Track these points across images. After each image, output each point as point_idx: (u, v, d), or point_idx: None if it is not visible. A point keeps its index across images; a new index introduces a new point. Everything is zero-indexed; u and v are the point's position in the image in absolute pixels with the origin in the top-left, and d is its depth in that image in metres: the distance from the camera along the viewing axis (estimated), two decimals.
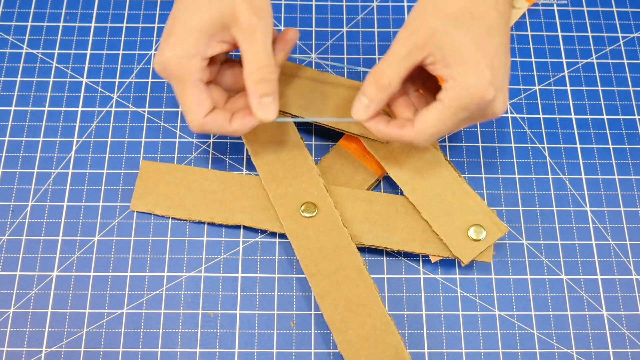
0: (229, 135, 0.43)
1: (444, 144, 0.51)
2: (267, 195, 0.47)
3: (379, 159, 0.47)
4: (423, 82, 0.44)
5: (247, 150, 0.49)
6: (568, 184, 0.50)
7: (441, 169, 0.46)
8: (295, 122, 0.50)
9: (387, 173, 0.49)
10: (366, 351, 0.42)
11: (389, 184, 0.49)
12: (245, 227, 0.48)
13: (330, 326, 0.42)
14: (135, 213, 0.48)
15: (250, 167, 0.50)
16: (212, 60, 0.42)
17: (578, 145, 0.51)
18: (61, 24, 0.55)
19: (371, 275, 0.46)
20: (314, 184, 0.46)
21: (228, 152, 0.50)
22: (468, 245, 0.44)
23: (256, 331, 0.45)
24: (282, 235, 0.48)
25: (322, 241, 0.45)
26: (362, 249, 0.47)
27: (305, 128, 0.51)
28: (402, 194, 0.48)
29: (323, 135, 0.51)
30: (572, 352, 0.45)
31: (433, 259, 0.46)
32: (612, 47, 0.56)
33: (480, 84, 0.37)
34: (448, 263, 0.47)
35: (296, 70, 0.49)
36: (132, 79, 0.53)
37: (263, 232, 0.48)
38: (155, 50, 0.54)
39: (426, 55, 0.38)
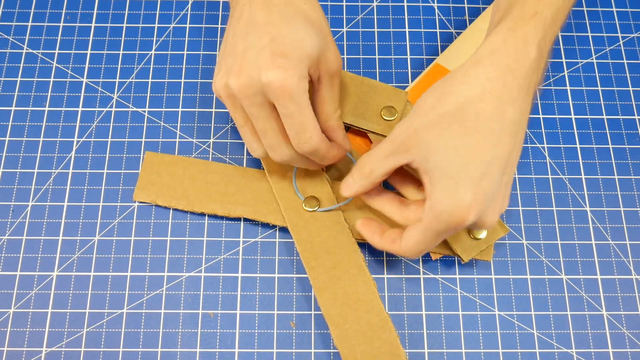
0: (325, 159, 0.42)
1: None
2: (270, 189, 0.47)
3: None
4: None
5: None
6: (568, 184, 0.50)
7: None
8: None
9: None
10: (362, 347, 0.42)
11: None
12: (246, 222, 0.48)
13: (327, 320, 0.43)
14: (135, 213, 0.48)
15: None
16: None
17: (578, 145, 0.52)
18: (61, 24, 0.55)
19: (371, 275, 0.46)
20: (318, 178, 0.46)
21: (228, 152, 0.50)
22: (469, 244, 0.45)
23: (256, 331, 0.45)
24: (283, 235, 0.48)
25: (323, 235, 0.45)
26: (363, 248, 0.47)
27: None
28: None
29: None
30: (572, 352, 0.45)
31: (434, 257, 0.46)
32: (612, 47, 0.56)
33: (457, 210, 0.35)
34: (448, 263, 0.47)
35: None
36: (132, 79, 0.53)
37: (263, 232, 0.48)
38: (156, 50, 0.54)
39: (410, 160, 0.36)
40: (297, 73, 0.37)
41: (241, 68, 0.38)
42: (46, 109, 0.52)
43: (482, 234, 0.45)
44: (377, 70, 0.54)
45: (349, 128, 0.50)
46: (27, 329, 0.45)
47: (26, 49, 0.54)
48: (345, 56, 0.54)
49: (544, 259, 0.47)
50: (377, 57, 0.54)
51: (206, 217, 0.48)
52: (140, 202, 0.48)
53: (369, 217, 0.43)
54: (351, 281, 0.44)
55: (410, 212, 0.39)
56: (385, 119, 0.47)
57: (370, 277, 0.44)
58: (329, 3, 0.57)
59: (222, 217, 0.48)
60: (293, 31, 0.38)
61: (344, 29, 0.56)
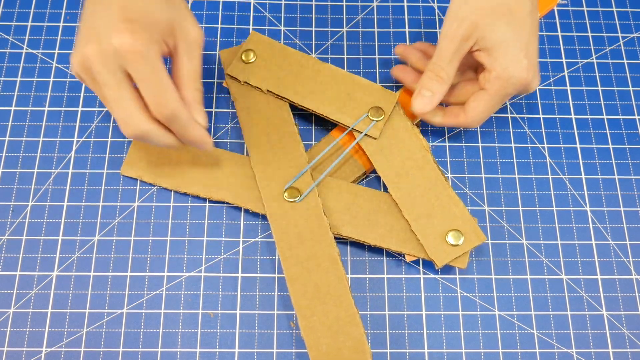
0: (187, 131, 0.41)
1: (443, 144, 0.51)
2: (254, 176, 0.47)
3: (369, 153, 0.47)
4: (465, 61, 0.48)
5: (247, 150, 0.49)
6: (568, 184, 0.50)
7: (428, 171, 0.46)
8: (294, 109, 0.51)
9: (374, 170, 0.49)
10: (327, 340, 0.42)
11: (377, 181, 0.49)
12: (246, 222, 0.48)
13: (296, 311, 0.43)
14: (135, 213, 0.48)
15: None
16: None
17: (578, 145, 0.52)
18: (61, 24, 0.55)
19: (371, 275, 0.46)
20: (301, 169, 0.47)
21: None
22: (444, 249, 0.44)
23: (256, 331, 0.45)
24: None
25: (301, 227, 0.45)
26: (345, 246, 0.47)
27: (305, 113, 0.52)
28: (387, 191, 0.48)
29: (323, 123, 0.52)
30: (572, 352, 0.45)
31: (408, 259, 0.46)
32: (612, 47, 0.56)
33: (520, 72, 0.44)
34: None
35: (298, 57, 0.50)
36: None
37: (263, 232, 0.48)
38: None
39: (472, 45, 0.44)
40: (146, 36, 0.37)
41: (93, 37, 0.37)
42: (46, 109, 0.52)
43: (460, 241, 0.44)
44: (377, 70, 0.54)
45: (334, 125, 0.51)
46: (27, 329, 0.45)
47: (26, 49, 0.54)
48: (345, 56, 0.54)
49: (544, 259, 0.47)
50: (377, 57, 0.54)
51: (206, 217, 0.48)
52: (127, 176, 0.48)
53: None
54: (323, 274, 0.44)
55: (460, 117, 0.47)
56: (371, 119, 0.47)
57: (343, 272, 0.44)
58: (329, 3, 0.57)
59: (222, 217, 0.48)
60: (141, 0, 0.39)
61: (344, 29, 0.56)
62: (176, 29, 0.40)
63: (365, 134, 0.47)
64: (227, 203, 0.48)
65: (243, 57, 0.49)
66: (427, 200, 0.45)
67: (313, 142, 0.51)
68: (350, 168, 0.48)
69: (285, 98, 0.48)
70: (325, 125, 0.51)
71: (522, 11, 0.43)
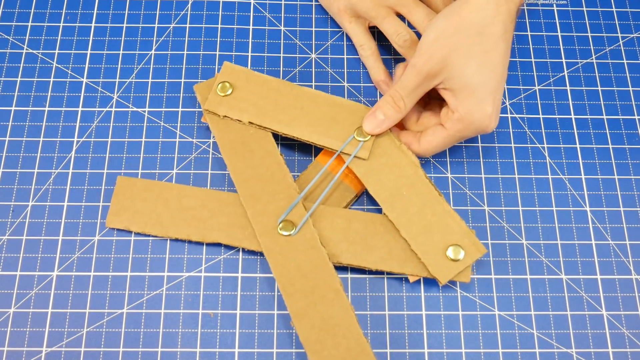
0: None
1: None
2: (245, 213, 0.46)
3: (359, 175, 0.47)
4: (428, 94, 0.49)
5: (231, 183, 0.48)
6: (568, 184, 0.50)
7: (421, 187, 0.46)
8: (275, 138, 0.50)
9: (366, 189, 0.48)
10: None
11: (370, 202, 0.48)
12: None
13: (305, 347, 0.42)
14: None
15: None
16: None
17: (578, 145, 0.52)
18: (61, 24, 0.55)
19: (371, 275, 0.46)
20: (292, 201, 0.45)
21: None
22: (446, 265, 0.44)
23: (256, 331, 0.45)
24: None
25: (300, 260, 0.44)
26: (344, 267, 0.46)
27: (287, 143, 0.51)
28: (381, 211, 0.47)
29: (305, 150, 0.51)
30: (572, 352, 0.45)
31: (411, 279, 0.45)
32: (611, 47, 0.56)
33: (483, 119, 0.43)
34: None
35: (274, 83, 0.49)
36: (132, 79, 0.53)
37: None
38: (156, 50, 0.54)
39: (438, 82, 0.44)
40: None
41: None
42: (46, 109, 0.52)
43: (461, 255, 0.44)
44: None
45: (318, 150, 0.50)
46: (27, 329, 0.45)
47: (26, 49, 0.54)
48: (345, 56, 0.54)
49: (544, 259, 0.48)
50: None
51: None
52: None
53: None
54: (328, 306, 0.43)
55: (414, 145, 0.47)
56: (358, 140, 0.47)
57: (347, 302, 0.43)
58: None
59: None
60: None
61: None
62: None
63: (355, 156, 0.47)
64: (223, 247, 0.47)
65: (219, 91, 0.48)
66: (424, 217, 0.45)
67: (296, 171, 0.50)
68: (341, 193, 0.47)
69: (269, 128, 0.47)
70: (307, 151, 0.51)
71: (496, 54, 0.42)
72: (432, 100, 0.49)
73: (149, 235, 0.47)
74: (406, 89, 0.45)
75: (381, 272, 0.47)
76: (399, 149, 0.47)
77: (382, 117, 0.46)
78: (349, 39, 0.55)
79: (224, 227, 0.46)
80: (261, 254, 0.47)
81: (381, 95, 0.52)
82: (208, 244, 0.47)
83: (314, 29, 0.56)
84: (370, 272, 0.47)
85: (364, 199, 0.49)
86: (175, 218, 0.46)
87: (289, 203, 0.45)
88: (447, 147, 0.47)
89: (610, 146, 0.52)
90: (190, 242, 0.47)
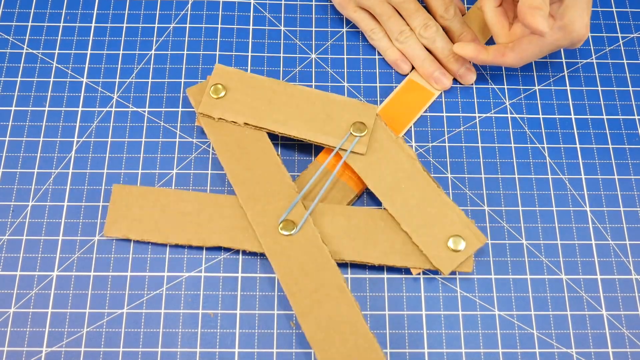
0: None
1: (443, 144, 0.51)
2: (244, 215, 0.46)
3: (358, 170, 0.47)
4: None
5: (230, 186, 0.48)
6: (568, 184, 0.50)
7: (420, 180, 0.46)
8: (274, 138, 0.50)
9: (366, 188, 0.48)
10: None
11: (371, 198, 0.49)
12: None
13: (312, 345, 0.42)
14: None
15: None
16: None
17: (578, 145, 0.52)
18: (61, 24, 0.55)
19: (371, 275, 0.46)
20: (292, 201, 0.45)
21: None
22: (448, 256, 0.44)
23: (256, 331, 0.45)
24: None
25: (302, 259, 0.44)
26: (345, 265, 0.47)
27: (287, 143, 0.51)
28: (380, 206, 0.47)
29: (305, 150, 0.51)
30: (572, 352, 0.45)
31: (414, 272, 0.45)
32: (611, 47, 0.56)
33: (581, 29, 0.45)
34: None
35: (268, 83, 0.49)
36: (132, 79, 0.53)
37: None
38: (156, 50, 0.54)
39: None
40: None
41: None
42: (46, 109, 0.52)
43: (461, 245, 0.44)
44: (377, 70, 0.54)
45: (318, 150, 0.50)
46: (27, 329, 0.45)
47: (26, 49, 0.54)
48: (345, 56, 0.54)
49: (544, 259, 0.48)
50: (377, 57, 0.54)
51: None
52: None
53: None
54: (333, 304, 0.43)
55: (507, 57, 0.48)
56: (354, 135, 0.47)
57: (352, 298, 0.43)
58: (329, 3, 0.57)
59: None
60: None
61: (344, 29, 0.56)
62: None
63: (352, 152, 0.47)
64: (223, 248, 0.47)
65: (212, 93, 0.48)
66: (423, 209, 0.45)
67: (296, 171, 0.49)
68: (342, 193, 0.47)
69: (264, 128, 0.47)
70: (307, 151, 0.51)
71: None
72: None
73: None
74: None
75: (381, 271, 0.47)
76: (395, 142, 0.47)
77: (542, 12, 0.43)
78: (349, 39, 0.55)
79: (224, 230, 0.46)
80: (262, 254, 0.47)
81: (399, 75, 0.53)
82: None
83: (314, 29, 0.56)
84: (371, 269, 0.47)
85: (364, 197, 0.49)
86: (174, 224, 0.46)
87: (288, 203, 0.45)
88: (539, 57, 0.48)
89: (610, 146, 0.52)
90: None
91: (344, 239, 0.45)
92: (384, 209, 0.46)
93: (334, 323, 0.42)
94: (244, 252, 0.47)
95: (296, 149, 0.51)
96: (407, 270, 0.47)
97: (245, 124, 0.48)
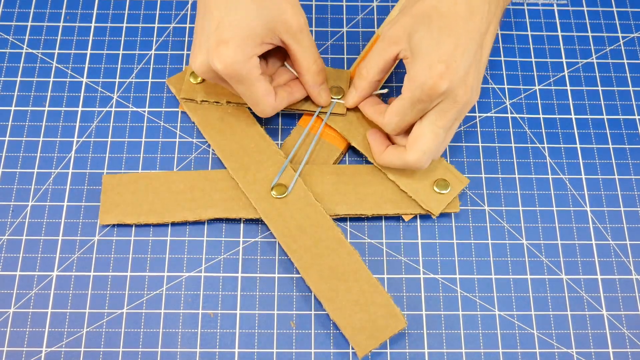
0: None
1: None
2: (236, 186, 0.47)
3: (340, 130, 0.49)
4: None
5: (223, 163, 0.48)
6: (568, 184, 0.50)
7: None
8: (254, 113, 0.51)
9: (350, 145, 0.50)
10: (359, 315, 0.43)
11: (356, 154, 0.50)
12: (246, 222, 0.48)
13: (319, 296, 0.43)
14: None
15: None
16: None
17: (578, 145, 0.52)
18: (61, 24, 0.55)
19: (371, 276, 0.46)
20: (281, 166, 0.47)
21: None
22: (436, 198, 0.47)
23: (256, 331, 0.45)
24: None
25: (298, 218, 0.45)
26: (344, 227, 0.47)
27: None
28: (367, 162, 0.49)
29: (287, 118, 0.52)
30: (572, 352, 0.45)
31: (406, 218, 0.47)
32: (612, 47, 0.56)
33: (430, 77, 0.40)
34: (448, 263, 0.47)
35: None
36: (132, 79, 0.53)
37: (263, 232, 0.48)
38: (156, 50, 0.54)
39: (399, 50, 0.43)
40: (239, 58, 0.41)
41: (201, 53, 0.43)
42: (46, 109, 0.52)
43: (448, 188, 0.47)
44: None
45: (301, 114, 0.51)
46: (27, 329, 0.45)
47: (26, 49, 0.54)
48: (345, 56, 0.54)
49: (544, 259, 0.47)
50: None
51: None
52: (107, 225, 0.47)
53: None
54: (334, 255, 0.44)
55: (380, 116, 0.46)
56: (333, 98, 0.49)
57: (351, 248, 0.45)
58: (329, 3, 0.57)
59: (222, 218, 0.48)
60: (233, 12, 0.41)
61: (344, 29, 0.56)
62: (276, 26, 0.43)
63: (332, 113, 0.49)
64: (219, 220, 0.48)
65: (192, 79, 0.50)
66: None
67: (280, 139, 0.51)
68: (327, 152, 0.49)
69: (246, 104, 0.49)
70: (289, 119, 0.50)
71: (454, 17, 0.40)
72: None
73: (148, 235, 0.47)
74: (370, 55, 0.45)
75: (381, 272, 0.47)
76: None
77: (353, 90, 0.47)
78: (349, 38, 0.55)
79: (219, 203, 0.47)
80: (262, 253, 0.47)
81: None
82: (209, 223, 0.48)
83: (314, 29, 0.56)
84: (369, 220, 0.47)
85: (348, 157, 0.49)
86: (169, 203, 0.47)
87: (277, 169, 0.47)
88: (408, 119, 0.43)
89: (611, 146, 0.52)
90: (189, 240, 0.47)
91: (335, 195, 0.47)
92: (371, 163, 0.48)
93: (336, 273, 0.44)
94: (244, 253, 0.47)
95: (279, 117, 0.52)
96: (407, 270, 0.47)
97: (228, 102, 0.49)
